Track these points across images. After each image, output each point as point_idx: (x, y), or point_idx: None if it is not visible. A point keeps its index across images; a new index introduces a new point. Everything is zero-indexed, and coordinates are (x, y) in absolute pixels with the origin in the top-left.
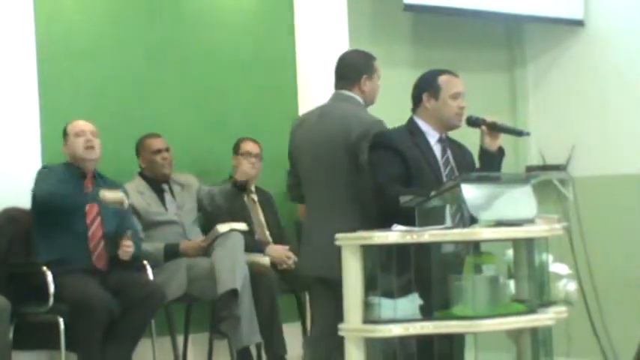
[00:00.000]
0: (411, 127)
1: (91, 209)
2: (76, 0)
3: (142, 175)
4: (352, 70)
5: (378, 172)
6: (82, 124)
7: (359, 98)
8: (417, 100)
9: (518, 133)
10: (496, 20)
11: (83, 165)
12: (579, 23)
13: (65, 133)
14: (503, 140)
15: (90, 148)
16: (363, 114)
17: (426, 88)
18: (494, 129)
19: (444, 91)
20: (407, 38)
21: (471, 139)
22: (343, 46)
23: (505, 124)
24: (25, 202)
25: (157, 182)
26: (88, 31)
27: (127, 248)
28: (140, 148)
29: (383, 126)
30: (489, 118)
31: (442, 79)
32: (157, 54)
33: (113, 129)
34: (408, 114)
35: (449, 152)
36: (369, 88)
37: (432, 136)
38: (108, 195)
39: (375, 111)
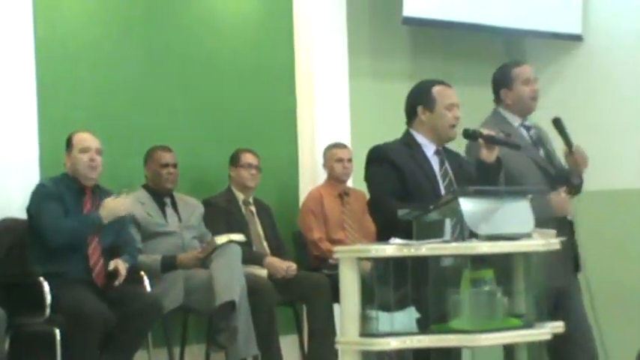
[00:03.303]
0: (408, 140)
1: None
2: (76, 8)
3: (145, 186)
4: (493, 87)
5: (375, 187)
6: (88, 139)
7: (502, 110)
8: (411, 113)
9: (515, 147)
10: (495, 35)
11: (83, 181)
12: (578, 38)
13: (69, 144)
14: None
15: (92, 167)
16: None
17: (420, 100)
18: (491, 142)
19: (439, 103)
20: (406, 51)
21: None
22: (342, 59)
23: (502, 137)
24: (22, 212)
25: (160, 195)
26: (87, 39)
27: (121, 272)
28: (148, 158)
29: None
30: (486, 131)
31: (436, 91)
32: (156, 63)
33: (111, 138)
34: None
35: (447, 164)
36: (512, 98)
37: (429, 148)
38: (107, 215)
39: (373, 124)
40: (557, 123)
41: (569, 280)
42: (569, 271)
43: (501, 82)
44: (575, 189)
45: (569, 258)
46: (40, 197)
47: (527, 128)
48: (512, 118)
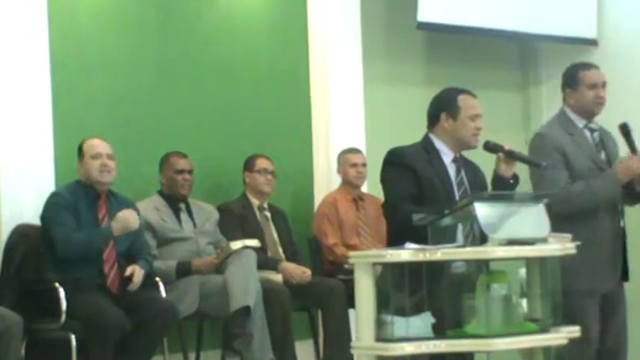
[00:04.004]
0: (426, 145)
1: None
2: (90, 16)
3: (160, 192)
4: (561, 86)
5: (391, 190)
6: (98, 145)
7: (567, 110)
8: (434, 119)
9: (535, 165)
10: (510, 39)
11: (97, 187)
12: (593, 42)
13: (81, 151)
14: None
15: (105, 172)
16: (542, 129)
17: (444, 107)
18: (511, 157)
19: (463, 112)
20: (420, 56)
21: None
22: (357, 64)
23: (522, 153)
24: (37, 218)
25: (174, 201)
26: (102, 47)
27: (135, 279)
28: (164, 164)
29: (539, 138)
30: (507, 146)
31: (461, 100)
32: (170, 69)
33: (126, 144)
34: (421, 131)
35: (463, 173)
36: (576, 99)
37: (447, 156)
38: (120, 228)
39: (388, 129)
40: (624, 128)
41: (614, 287)
42: (616, 278)
43: (568, 83)
44: (637, 195)
45: (617, 264)
46: (53, 208)
47: (592, 130)
48: (577, 118)
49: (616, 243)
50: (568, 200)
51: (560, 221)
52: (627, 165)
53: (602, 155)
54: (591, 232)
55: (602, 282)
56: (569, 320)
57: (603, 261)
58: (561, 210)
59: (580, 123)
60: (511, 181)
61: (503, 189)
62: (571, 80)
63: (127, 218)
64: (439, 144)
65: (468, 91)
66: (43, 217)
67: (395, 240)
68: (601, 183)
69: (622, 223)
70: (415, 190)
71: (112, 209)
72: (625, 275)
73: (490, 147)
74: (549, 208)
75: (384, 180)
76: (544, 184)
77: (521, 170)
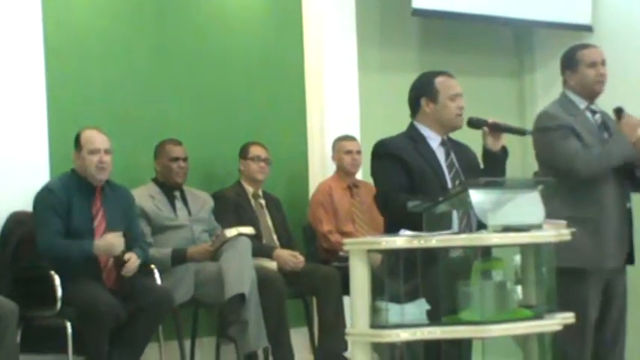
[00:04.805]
0: (412, 133)
1: (99, 227)
2: (85, 4)
3: (154, 180)
4: (560, 69)
5: (382, 182)
6: (96, 140)
7: (568, 93)
8: (415, 105)
9: (521, 132)
10: (505, 26)
11: (93, 182)
12: (587, 28)
13: (78, 143)
14: (511, 146)
15: (101, 169)
16: (545, 108)
17: (423, 92)
18: (496, 129)
19: (442, 94)
20: (415, 43)
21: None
22: (351, 51)
23: (507, 123)
24: (31, 207)
25: (169, 189)
26: (97, 35)
27: (130, 266)
28: (159, 152)
29: (546, 116)
30: (491, 119)
31: (439, 82)
32: (165, 58)
33: (121, 132)
34: None
35: (452, 155)
36: (576, 80)
37: (434, 140)
38: (102, 250)
39: (382, 116)
40: (619, 112)
41: (618, 268)
42: (621, 259)
43: (566, 64)
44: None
45: (623, 245)
46: (43, 206)
47: (593, 112)
48: (579, 100)
49: (623, 223)
50: (589, 163)
51: (567, 200)
52: (627, 123)
53: (606, 136)
54: (598, 211)
55: (606, 261)
56: (567, 301)
57: (609, 240)
58: (585, 173)
59: (582, 104)
60: (501, 154)
61: (494, 163)
62: (570, 62)
63: (113, 244)
64: (424, 130)
65: (445, 72)
66: (34, 211)
67: (391, 231)
68: (613, 143)
69: (629, 205)
70: (406, 179)
71: (107, 200)
72: (631, 258)
73: (474, 123)
74: (572, 174)
75: (374, 172)
76: (559, 150)
77: (520, 154)
